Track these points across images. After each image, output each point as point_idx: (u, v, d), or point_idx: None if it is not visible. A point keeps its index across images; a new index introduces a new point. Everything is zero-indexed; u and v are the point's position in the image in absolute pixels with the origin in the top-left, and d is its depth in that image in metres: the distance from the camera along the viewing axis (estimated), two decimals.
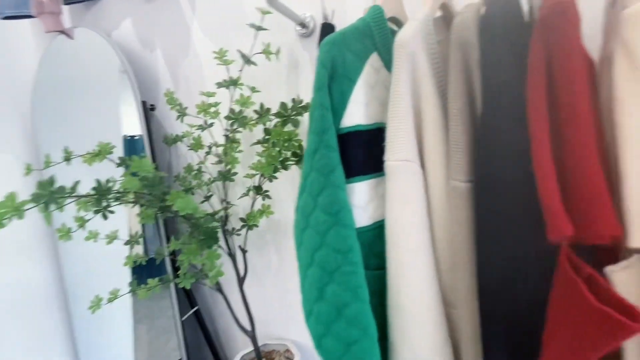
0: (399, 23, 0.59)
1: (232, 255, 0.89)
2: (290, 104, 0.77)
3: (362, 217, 0.49)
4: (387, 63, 0.51)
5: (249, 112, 0.84)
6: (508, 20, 0.40)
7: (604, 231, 0.34)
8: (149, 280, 0.86)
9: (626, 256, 0.37)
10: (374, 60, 0.52)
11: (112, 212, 0.75)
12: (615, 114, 0.35)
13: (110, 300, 0.86)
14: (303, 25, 0.96)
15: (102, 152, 0.78)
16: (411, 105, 0.46)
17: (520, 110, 0.38)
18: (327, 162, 0.46)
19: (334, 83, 0.48)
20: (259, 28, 0.79)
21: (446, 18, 0.59)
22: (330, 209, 0.46)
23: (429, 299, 0.46)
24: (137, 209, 0.84)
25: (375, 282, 0.49)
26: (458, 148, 0.42)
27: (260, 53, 0.80)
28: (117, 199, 0.75)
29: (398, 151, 0.44)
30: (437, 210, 0.45)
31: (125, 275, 1.02)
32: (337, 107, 0.49)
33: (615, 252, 0.40)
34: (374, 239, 0.50)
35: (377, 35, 0.53)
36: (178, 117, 0.89)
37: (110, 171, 0.77)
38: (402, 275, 0.46)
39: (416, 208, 0.45)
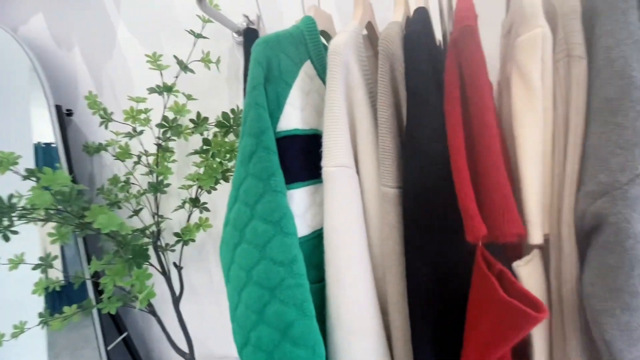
0: (328, 38, 0.60)
1: (165, 274, 0.83)
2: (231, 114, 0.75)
3: (301, 226, 0.48)
4: (320, 72, 0.52)
5: (184, 121, 0.80)
6: (427, 40, 0.44)
7: (512, 230, 0.38)
8: (65, 309, 0.75)
9: (528, 252, 0.42)
10: (307, 67, 0.53)
11: (14, 232, 0.65)
12: (514, 127, 0.40)
13: (14, 336, 0.73)
14: (240, 33, 0.94)
15: (4, 163, 0.67)
16: (346, 112, 0.47)
17: (439, 121, 0.41)
18: (266, 166, 0.44)
19: (270, 84, 0.47)
20: (198, 35, 0.76)
21: (371, 37, 0.62)
22: (271, 216, 0.43)
23: (370, 309, 0.45)
24: (51, 228, 0.74)
25: (315, 297, 0.45)
26: (387, 155, 0.44)
27: (198, 61, 0.77)
28: (22, 216, 0.65)
29: (335, 157, 0.44)
30: (371, 216, 0.47)
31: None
32: (273, 110, 0.47)
33: (520, 249, 0.45)
34: (313, 249, 0.49)
35: (310, 44, 0.53)
36: (102, 123, 0.81)
37: (19, 184, 0.67)
38: (342, 286, 0.44)
39: (354, 214, 0.45)
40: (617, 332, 0.34)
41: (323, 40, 0.56)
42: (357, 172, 0.47)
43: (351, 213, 0.44)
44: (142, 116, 0.79)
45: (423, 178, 0.41)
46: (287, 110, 0.47)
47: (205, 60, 0.77)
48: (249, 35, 0.74)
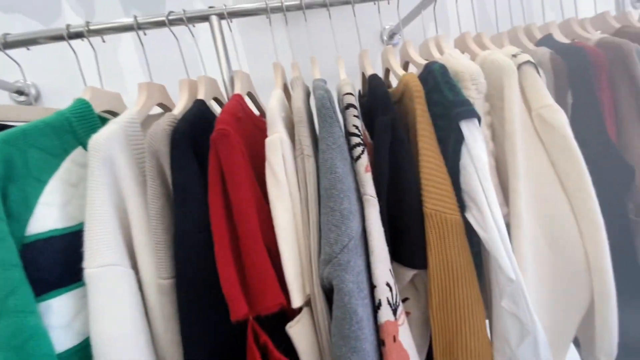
0: (116, 116, 0.59)
1: None
2: None
3: (66, 337, 0.43)
4: None
5: None
6: (193, 135, 0.48)
7: (271, 304, 0.44)
8: None
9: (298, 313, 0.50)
10: (77, 155, 0.50)
11: None
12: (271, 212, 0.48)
13: None
14: (21, 92, 0.81)
15: None
16: (115, 206, 0.46)
17: (205, 212, 0.45)
18: (2, 285, 0.38)
19: (13, 184, 0.42)
20: None
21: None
22: (11, 342, 0.38)
23: None
24: None
25: None
26: (160, 247, 0.45)
27: None
28: None
29: (98, 256, 0.42)
30: (153, 309, 0.46)
31: None
32: (19, 212, 0.42)
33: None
34: (90, 357, 0.45)
35: (80, 130, 0.51)
36: None
37: None
38: None
39: (126, 315, 0.43)
40: None
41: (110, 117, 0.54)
42: (135, 266, 0.46)
43: (122, 314, 0.43)
44: None
45: (191, 267, 0.44)
46: (40, 211, 0.43)
47: None
48: None
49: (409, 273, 0.56)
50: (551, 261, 0.57)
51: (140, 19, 0.63)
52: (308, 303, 0.49)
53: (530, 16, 1.10)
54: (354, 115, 0.52)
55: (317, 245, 0.48)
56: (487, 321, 0.56)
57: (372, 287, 0.47)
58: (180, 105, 0.57)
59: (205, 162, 0.48)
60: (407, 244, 0.53)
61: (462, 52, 0.77)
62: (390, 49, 0.71)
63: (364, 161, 0.49)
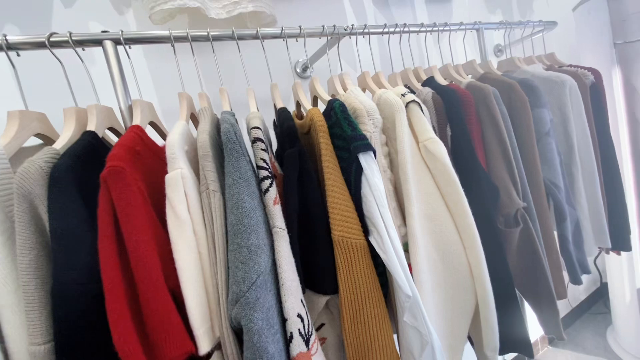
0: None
1: None
2: None
3: None
4: None
5: None
6: (76, 174, 0.43)
7: (176, 352, 0.41)
8: None
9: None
10: None
11: None
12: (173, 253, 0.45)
13: None
14: None
15: None
16: None
17: (94, 260, 0.40)
18: None
19: None
20: None
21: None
22: None
23: None
24: None
25: None
26: (32, 306, 0.39)
27: None
28: None
29: None
30: None
31: None
32: None
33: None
34: None
35: None
36: None
37: None
38: None
39: None
40: None
41: None
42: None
43: None
44: None
45: (74, 325, 0.38)
46: None
47: None
48: None
49: (323, 299, 0.58)
50: (443, 271, 0.66)
51: (14, 38, 0.55)
52: (220, 346, 0.47)
53: (421, 58, 1.29)
54: (262, 149, 0.53)
55: (225, 284, 0.46)
56: (395, 336, 0.61)
57: (284, 321, 0.47)
58: (64, 137, 0.51)
59: (94, 204, 0.43)
60: (319, 271, 0.55)
61: (363, 89, 0.86)
62: (299, 85, 0.75)
63: (272, 194, 0.50)
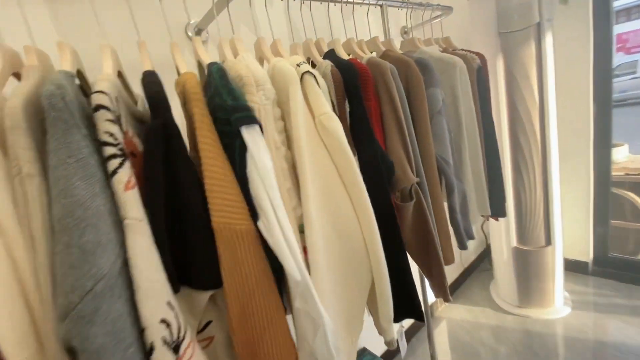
0: None
1: None
2: None
3: None
4: None
5: None
6: None
7: None
8: None
9: None
10: None
11: None
12: None
13: None
14: None
15: None
16: None
17: None
18: None
19: None
20: None
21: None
22: None
23: None
24: None
25: None
26: None
27: None
28: None
29: None
30: None
31: None
32: None
33: None
34: None
35: None
36: None
37: None
38: None
39: None
40: None
41: None
42: None
43: None
44: None
45: None
46: None
47: None
48: None
49: (204, 295, 0.51)
50: (340, 250, 0.64)
51: None
52: None
53: (327, 32, 1.25)
54: (107, 120, 0.41)
55: (50, 297, 0.36)
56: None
57: (142, 330, 0.39)
58: None
59: None
60: (196, 264, 0.48)
61: (260, 59, 0.78)
62: (175, 45, 0.63)
63: (123, 177, 0.40)
